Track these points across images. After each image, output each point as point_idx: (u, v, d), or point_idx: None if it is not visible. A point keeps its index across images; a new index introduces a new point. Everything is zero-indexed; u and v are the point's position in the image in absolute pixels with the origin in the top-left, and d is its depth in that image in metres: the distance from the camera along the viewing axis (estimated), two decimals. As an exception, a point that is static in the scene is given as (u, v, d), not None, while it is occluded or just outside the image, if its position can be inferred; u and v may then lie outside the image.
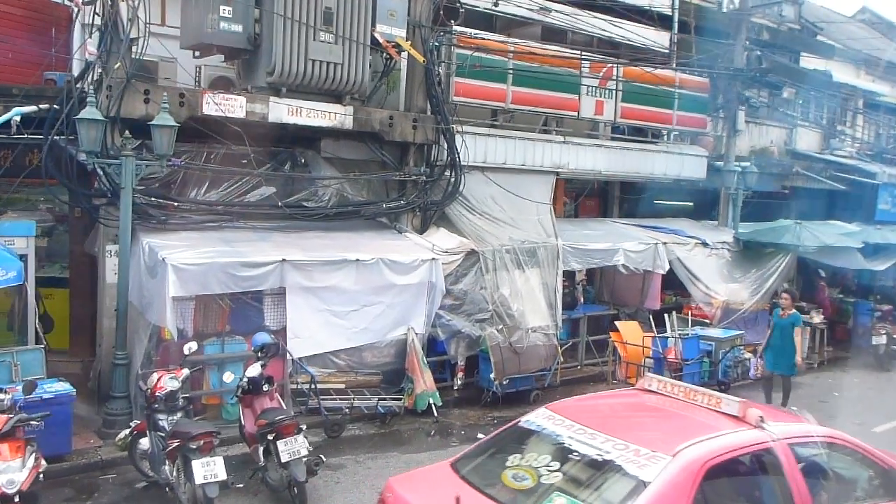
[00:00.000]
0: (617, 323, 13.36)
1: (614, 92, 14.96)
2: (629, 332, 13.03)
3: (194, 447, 7.29)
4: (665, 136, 17.62)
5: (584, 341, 14.03)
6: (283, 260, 10.16)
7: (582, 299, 15.13)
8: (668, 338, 12.70)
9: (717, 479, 5.10)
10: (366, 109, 11.76)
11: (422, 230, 12.51)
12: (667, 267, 14.40)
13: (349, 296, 10.86)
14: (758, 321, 14.97)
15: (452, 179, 12.60)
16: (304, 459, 7.90)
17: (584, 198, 18.25)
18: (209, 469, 7.17)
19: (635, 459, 5.06)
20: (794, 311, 12.30)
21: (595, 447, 5.27)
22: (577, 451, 5.32)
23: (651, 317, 14.90)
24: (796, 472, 5.35)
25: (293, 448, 7.86)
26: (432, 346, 12.17)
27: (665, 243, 14.51)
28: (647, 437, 5.36)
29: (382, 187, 12.65)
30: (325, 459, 8.29)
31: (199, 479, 7.10)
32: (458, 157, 12.57)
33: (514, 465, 5.44)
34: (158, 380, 8.12)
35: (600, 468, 5.12)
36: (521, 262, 12.47)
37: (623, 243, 13.82)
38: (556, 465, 5.27)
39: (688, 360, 12.48)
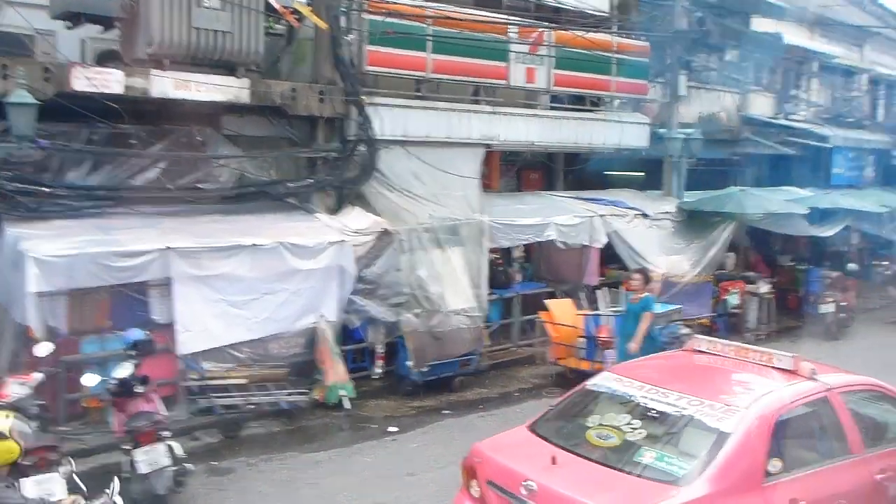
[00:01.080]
0: (547, 302, 12.49)
1: (546, 58, 14.02)
2: (561, 311, 12.17)
3: (28, 463, 6.36)
4: (610, 105, 16.74)
5: (518, 322, 13.16)
6: (167, 247, 9.21)
7: (519, 277, 14.25)
8: (600, 316, 11.85)
9: (785, 427, 5.52)
10: (265, 82, 10.76)
11: (336, 210, 11.57)
12: (604, 240, 13.56)
13: (247, 284, 9.94)
14: (700, 294, 14.18)
15: (368, 155, 11.65)
16: (167, 470, 7.01)
17: (527, 171, 17.40)
18: (43, 488, 6.25)
19: (712, 413, 5.39)
20: (646, 294, 10.47)
21: (671, 404, 5.59)
22: (654, 409, 5.62)
23: (591, 293, 14.09)
24: (848, 417, 5.81)
25: (152, 458, 6.98)
26: (351, 332, 11.30)
27: (602, 216, 13.65)
28: (717, 392, 5.71)
29: (294, 166, 11.68)
30: (192, 468, 7.40)
31: (32, 500, 6.19)
32: (373, 130, 11.61)
33: (595, 426, 5.69)
34: (2, 386, 7.17)
35: (680, 423, 5.45)
36: (442, 241, 11.57)
37: (555, 217, 12.95)
38: (637, 423, 5.53)
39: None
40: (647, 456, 5.23)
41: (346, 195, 11.73)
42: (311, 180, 11.29)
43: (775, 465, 5.28)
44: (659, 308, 12.30)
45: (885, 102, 27.17)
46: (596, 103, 16.15)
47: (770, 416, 5.43)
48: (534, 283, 14.45)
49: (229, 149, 11.09)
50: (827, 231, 15.97)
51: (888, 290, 17.47)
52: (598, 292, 12.47)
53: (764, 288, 15.29)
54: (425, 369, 10.95)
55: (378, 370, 11.40)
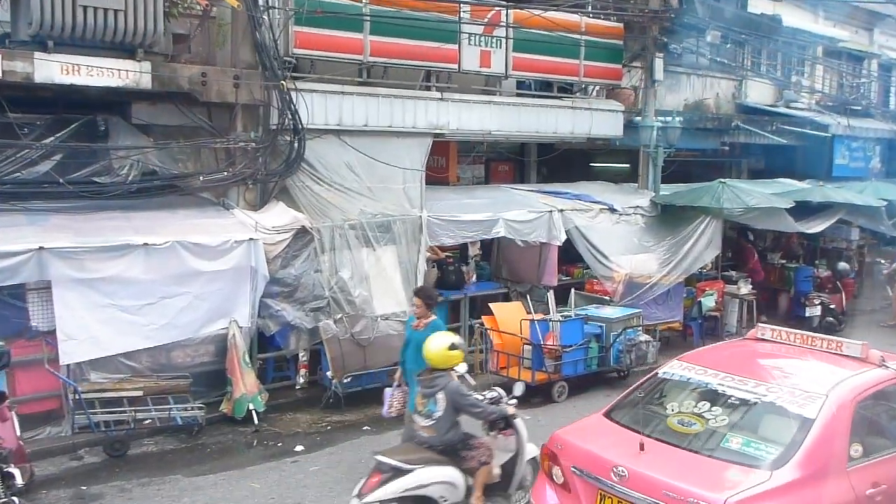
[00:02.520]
0: (492, 305, 11.38)
1: (504, 41, 12.88)
2: (509, 316, 11.06)
3: None
4: (585, 91, 15.55)
5: (465, 326, 12.07)
6: (40, 248, 8.26)
7: (474, 277, 13.16)
8: (547, 321, 10.73)
9: (863, 412, 5.58)
10: (169, 66, 9.76)
11: (259, 205, 10.58)
12: (563, 237, 12.41)
13: (141, 287, 8.97)
14: (671, 297, 12.97)
15: (296, 146, 10.63)
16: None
17: (497, 162, 16.29)
18: None
19: (793, 400, 5.46)
20: (433, 318, 7.78)
21: (750, 391, 5.64)
22: (734, 396, 5.65)
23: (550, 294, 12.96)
24: None
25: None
26: (271, 339, 10.32)
27: (562, 211, 12.49)
28: (793, 379, 5.79)
29: (214, 159, 10.69)
30: (16, 501, 6.43)
31: None
32: (299, 119, 10.58)
33: (675, 413, 5.72)
34: None
35: (762, 410, 5.52)
36: (371, 239, 10.53)
37: (506, 213, 11.83)
38: (718, 409, 5.58)
39: (568, 347, 10.53)
40: (734, 442, 5.32)
41: (270, 189, 10.74)
42: (226, 173, 10.28)
43: (857, 449, 5.37)
44: (616, 312, 11.20)
45: (897, 89, 25.65)
46: (568, 90, 14.97)
47: (850, 402, 5.49)
48: (491, 283, 13.35)
49: (139, 139, 10.13)
50: (816, 227, 14.64)
51: (887, 290, 16.08)
52: (550, 295, 11.32)
53: (745, 289, 14.03)
54: (347, 380, 9.94)
55: (301, 380, 10.40)
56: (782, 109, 20.10)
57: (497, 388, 7.23)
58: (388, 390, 7.92)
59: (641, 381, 6.49)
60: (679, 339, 13.57)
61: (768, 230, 16.57)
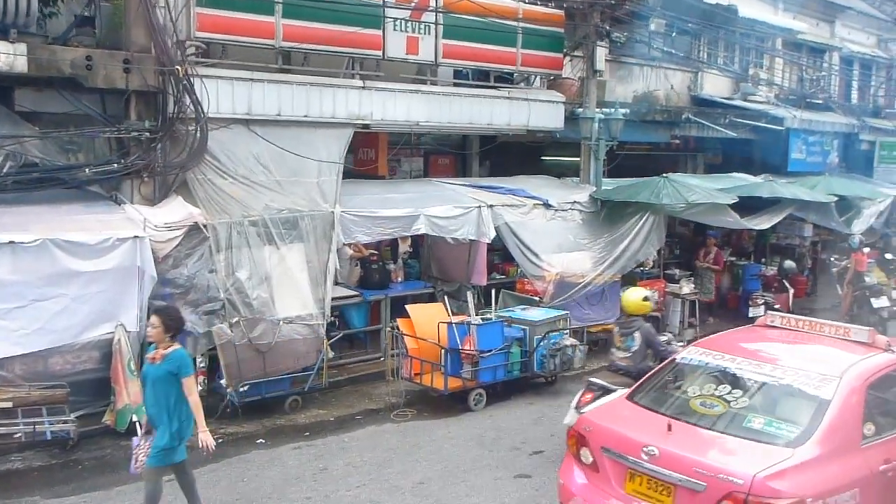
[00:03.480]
0: (409, 307, 10.63)
1: (434, 27, 12.11)
2: (427, 318, 10.30)
3: None
4: (528, 81, 14.82)
5: (385, 329, 11.30)
6: None
7: (401, 276, 12.42)
8: (467, 325, 9.98)
9: (874, 392, 5.86)
10: (48, 48, 8.94)
11: (158, 200, 9.77)
12: (492, 234, 11.67)
13: (10, 289, 8.14)
14: (605, 297, 12.28)
15: (198, 136, 9.82)
16: None
17: (437, 156, 15.53)
18: None
19: (809, 382, 5.73)
20: (175, 347, 6.31)
21: (767, 374, 5.92)
22: (752, 379, 5.92)
23: (478, 294, 12.24)
24: None
25: None
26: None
27: (492, 206, 11.75)
28: (807, 363, 6.03)
29: (108, 150, 9.87)
30: None
31: None
32: (201, 107, 9.77)
33: (696, 395, 5.96)
34: None
35: (780, 392, 5.79)
36: (275, 237, 9.74)
37: (428, 209, 11.07)
38: (738, 392, 5.83)
39: (486, 352, 9.80)
40: (756, 422, 5.56)
41: (170, 183, 9.93)
42: (116, 165, 9.45)
43: (870, 428, 5.64)
44: (540, 314, 10.49)
45: (859, 83, 25.11)
46: (509, 80, 14.22)
47: (862, 383, 5.78)
48: (420, 282, 12.61)
49: (20, 128, 9.27)
50: (763, 223, 13.99)
51: (837, 288, 15.47)
52: (469, 295, 10.58)
53: (686, 288, 13.36)
54: (245, 388, 9.17)
55: (200, 388, 9.58)
56: (738, 102, 19.46)
57: (668, 333, 10.45)
58: (135, 440, 6.48)
59: (660, 366, 6.77)
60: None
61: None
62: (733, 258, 16.02)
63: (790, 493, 4.97)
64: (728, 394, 5.86)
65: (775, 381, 5.84)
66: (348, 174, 13.19)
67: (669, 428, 5.57)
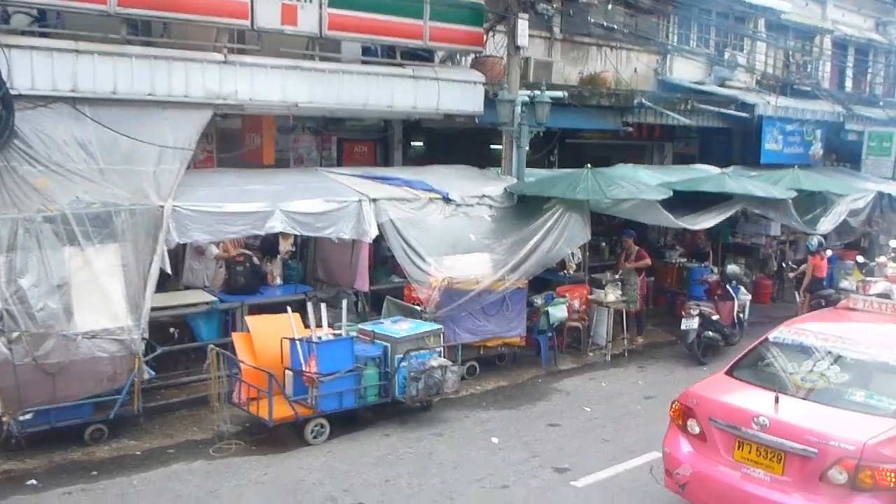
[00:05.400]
0: (251, 319, 8.92)
1: (318, -7, 10.39)
2: (274, 331, 8.58)
3: None
4: (453, 60, 13.04)
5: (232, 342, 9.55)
6: None
7: (278, 279, 10.73)
8: (314, 342, 8.24)
9: None
10: None
11: (-48, 191, 8.16)
12: (373, 233, 9.91)
13: None
14: (508, 306, 10.46)
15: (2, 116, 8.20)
16: None
17: (352, 143, 13.81)
18: None
19: None
20: None
21: (863, 352, 6.20)
22: (848, 357, 6.19)
23: (363, 302, 10.55)
24: None
25: None
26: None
27: (374, 200, 10.00)
28: None
29: None
30: None
31: None
32: (4, 83, 8.17)
33: (797, 371, 6.23)
34: None
35: (876, 368, 6.09)
36: (80, 236, 8.05)
37: (288, 203, 9.34)
38: (837, 368, 6.11)
39: (327, 375, 8.08)
40: (858, 395, 5.86)
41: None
42: None
43: None
44: (407, 329, 8.77)
45: (853, 70, 22.86)
46: (426, 58, 12.43)
47: None
48: (303, 286, 10.90)
49: None
50: (706, 222, 12.04)
51: (796, 295, 13.51)
52: (324, 306, 8.82)
53: (612, 295, 11.49)
54: (27, 416, 7.54)
55: (-9, 413, 8.00)
56: (709, 88, 17.47)
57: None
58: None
59: (753, 344, 6.83)
60: (531, 356, 11.08)
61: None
62: (683, 259, 14.08)
63: None
64: (827, 370, 6.08)
65: (871, 358, 6.10)
66: (230, 162, 11.65)
67: (777, 400, 5.79)
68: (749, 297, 13.86)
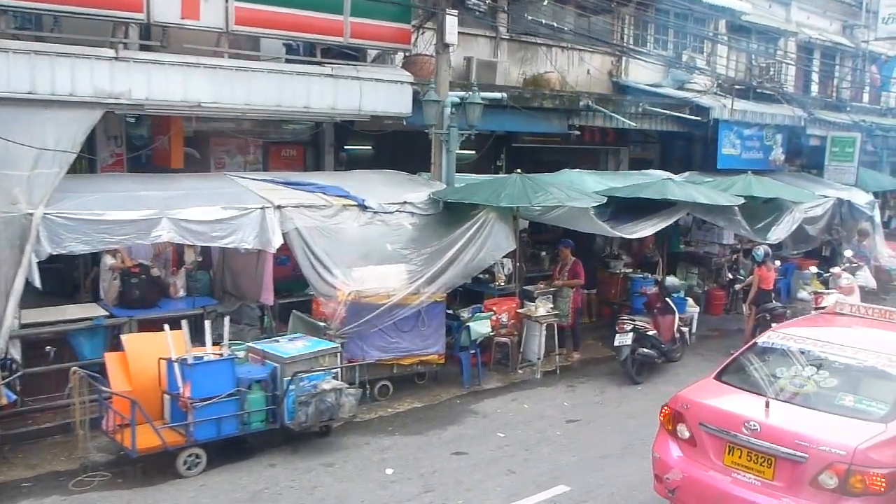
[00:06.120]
0: (126, 337, 8.12)
1: (223, -15, 9.65)
2: (153, 351, 7.78)
3: None
4: (384, 59, 12.32)
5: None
6: None
7: (182, 291, 9.93)
8: (189, 364, 7.46)
9: None
10: None
11: None
12: (277, 242, 9.14)
13: None
14: (424, 321, 9.68)
15: None
16: None
17: (280, 146, 13.03)
18: None
19: (891, 363, 6.03)
20: None
21: (850, 357, 6.18)
22: (837, 362, 6.17)
23: (269, 317, 9.76)
24: None
25: None
26: None
27: (280, 207, 9.22)
28: (885, 346, 6.31)
29: None
30: None
31: None
32: None
33: (786, 376, 6.21)
34: None
35: (865, 373, 6.07)
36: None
37: (178, 210, 8.56)
38: (825, 373, 6.10)
39: (202, 400, 7.29)
40: (847, 400, 5.85)
41: None
42: None
43: None
44: (299, 348, 8.01)
45: (819, 74, 22.26)
46: (356, 57, 11.70)
47: None
48: (208, 299, 10.10)
49: None
50: (643, 230, 11.32)
51: (744, 309, 12.78)
52: (208, 323, 8.04)
53: (543, 309, 10.74)
54: None
55: None
56: (664, 90, 16.78)
57: None
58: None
59: (744, 348, 6.85)
60: (455, 374, 10.31)
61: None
62: (628, 270, 13.35)
63: (890, 462, 5.26)
64: (815, 374, 6.08)
65: (859, 363, 6.09)
66: (139, 166, 10.91)
67: (767, 405, 5.78)
68: (697, 309, 13.22)
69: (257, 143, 12.70)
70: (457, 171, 13.03)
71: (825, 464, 5.29)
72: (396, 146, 13.42)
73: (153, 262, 10.00)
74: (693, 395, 6.24)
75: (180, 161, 10.83)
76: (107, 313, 9.05)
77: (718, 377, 6.48)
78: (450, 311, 10.96)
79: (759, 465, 5.62)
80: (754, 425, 5.62)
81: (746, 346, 6.86)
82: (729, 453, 5.78)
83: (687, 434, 6.05)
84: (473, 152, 15.68)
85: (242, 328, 9.42)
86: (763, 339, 6.74)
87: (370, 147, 14.73)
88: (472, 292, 11.59)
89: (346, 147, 13.93)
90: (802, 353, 6.31)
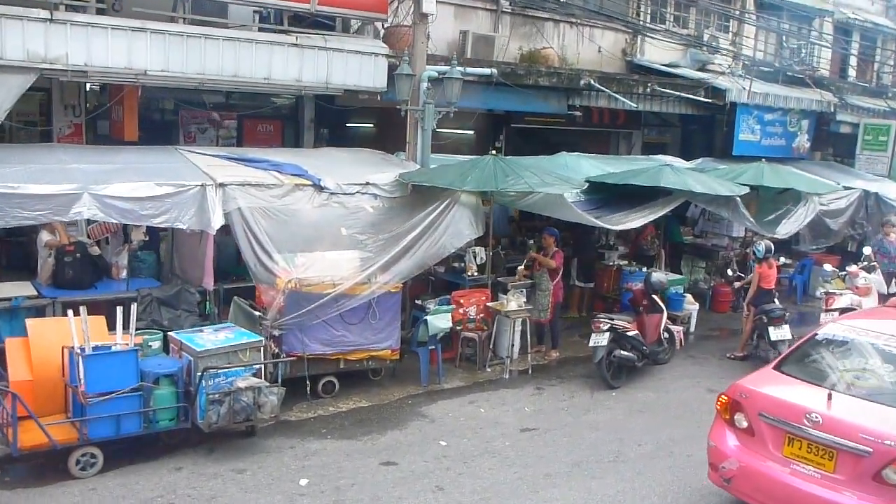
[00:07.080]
0: (30, 322, 7.40)
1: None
2: (58, 338, 7.05)
3: None
4: (366, 31, 11.39)
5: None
6: None
7: (124, 272, 9.20)
8: (81, 355, 6.70)
9: None
10: None
11: None
12: (217, 223, 8.33)
13: None
14: (375, 313, 8.76)
15: None
16: None
17: (255, 120, 12.23)
18: None
19: None
20: None
21: None
22: None
23: (209, 302, 8.97)
24: None
25: None
26: None
27: (222, 185, 8.41)
28: None
29: None
30: None
31: None
32: None
33: (847, 368, 6.13)
34: None
35: None
36: None
37: (103, 186, 7.80)
38: (890, 367, 5.92)
39: (98, 395, 6.54)
40: None
41: None
42: None
43: None
44: (217, 340, 7.20)
45: (857, 57, 20.55)
46: (331, 27, 10.82)
47: None
48: (152, 281, 9.36)
49: None
50: (631, 222, 10.20)
51: (744, 309, 11.54)
52: (119, 310, 7.25)
53: (514, 303, 9.75)
54: None
55: None
56: (681, 71, 15.51)
57: None
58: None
59: (802, 340, 6.64)
60: (415, 371, 9.41)
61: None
62: (623, 262, 12.25)
63: None
64: (880, 367, 5.96)
65: None
66: (99, 137, 10.27)
67: (830, 397, 5.65)
68: (696, 307, 12.09)
69: (231, 117, 11.93)
70: (452, 153, 12.16)
71: (890, 458, 5.14)
72: (401, 125, 12.50)
73: (112, 239, 9.36)
74: (752, 385, 6.12)
75: (134, 133, 10.08)
76: (35, 293, 8.38)
77: (778, 367, 6.35)
78: (418, 302, 10.15)
79: (819, 457, 5.49)
80: (816, 417, 5.50)
81: (807, 336, 6.57)
82: (788, 444, 5.66)
83: (745, 424, 5.94)
84: (472, 132, 14.76)
85: (180, 314, 8.63)
86: (824, 331, 6.54)
87: (372, 125, 13.91)
88: (446, 282, 10.71)
89: (347, 124, 13.12)
90: (867, 345, 6.15)
